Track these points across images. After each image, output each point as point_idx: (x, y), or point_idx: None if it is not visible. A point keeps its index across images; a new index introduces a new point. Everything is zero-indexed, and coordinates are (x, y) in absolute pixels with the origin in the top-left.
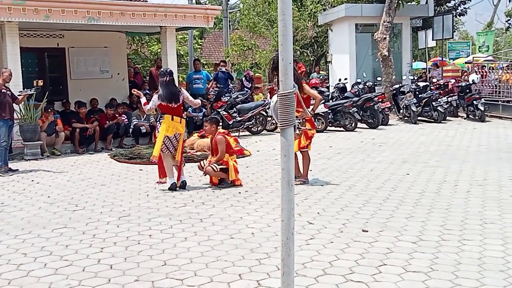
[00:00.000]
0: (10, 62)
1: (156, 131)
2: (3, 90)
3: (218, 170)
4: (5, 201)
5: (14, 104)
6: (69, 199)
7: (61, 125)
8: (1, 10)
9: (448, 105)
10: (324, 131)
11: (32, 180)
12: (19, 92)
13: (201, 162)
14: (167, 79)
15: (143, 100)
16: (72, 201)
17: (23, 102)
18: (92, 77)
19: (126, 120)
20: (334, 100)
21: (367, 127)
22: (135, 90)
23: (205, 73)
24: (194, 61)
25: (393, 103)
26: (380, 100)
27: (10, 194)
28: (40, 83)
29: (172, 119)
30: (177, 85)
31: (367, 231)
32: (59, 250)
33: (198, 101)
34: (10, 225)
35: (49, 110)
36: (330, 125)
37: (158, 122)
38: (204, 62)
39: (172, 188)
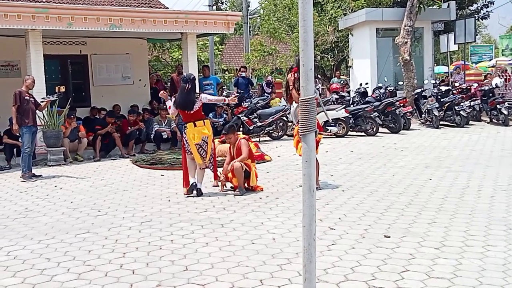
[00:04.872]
0: (34, 69)
1: (184, 140)
2: (26, 97)
3: (244, 169)
4: (28, 206)
5: (37, 111)
6: (92, 204)
7: (83, 131)
8: (25, 18)
9: (470, 109)
10: (345, 136)
11: (55, 186)
12: (42, 98)
13: (217, 173)
14: (189, 86)
15: (168, 103)
16: (94, 206)
17: (46, 109)
18: (114, 84)
19: (143, 126)
20: (355, 105)
21: (388, 131)
22: (164, 92)
23: (214, 77)
24: (203, 67)
25: (415, 107)
26: (401, 104)
27: (34, 200)
28: (62, 89)
29: (195, 125)
30: (197, 91)
31: (389, 237)
32: (82, 255)
33: (220, 97)
34: (33, 230)
35: (72, 116)
36: (351, 130)
37: (184, 132)
38: (225, 68)
39: (193, 187)
